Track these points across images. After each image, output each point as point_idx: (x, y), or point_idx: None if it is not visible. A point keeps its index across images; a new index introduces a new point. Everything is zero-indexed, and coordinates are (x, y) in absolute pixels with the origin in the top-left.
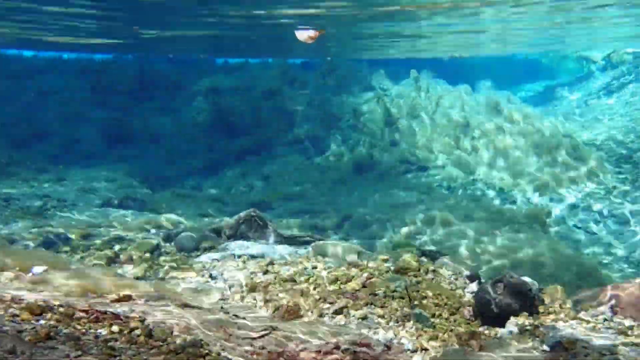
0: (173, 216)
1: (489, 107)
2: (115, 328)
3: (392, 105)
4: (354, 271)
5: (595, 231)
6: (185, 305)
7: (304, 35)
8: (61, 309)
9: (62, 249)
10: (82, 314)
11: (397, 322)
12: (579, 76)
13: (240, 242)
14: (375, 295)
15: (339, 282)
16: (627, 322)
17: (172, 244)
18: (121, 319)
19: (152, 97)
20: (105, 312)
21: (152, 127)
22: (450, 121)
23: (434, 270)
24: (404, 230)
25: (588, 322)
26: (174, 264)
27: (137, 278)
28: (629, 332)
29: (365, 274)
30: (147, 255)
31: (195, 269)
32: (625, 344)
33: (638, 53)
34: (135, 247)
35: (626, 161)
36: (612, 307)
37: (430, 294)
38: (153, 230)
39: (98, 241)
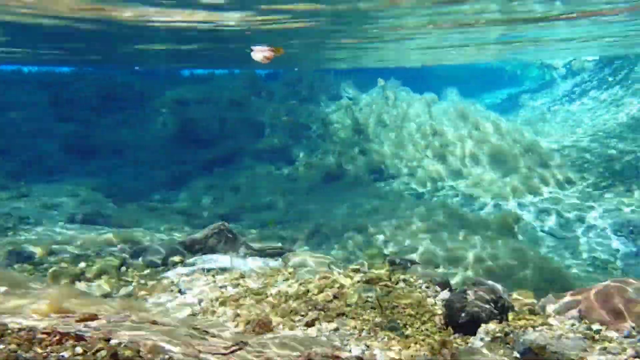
0: (140, 231)
1: (456, 114)
2: (79, 349)
3: (360, 114)
4: (325, 282)
5: (562, 235)
6: (153, 323)
7: (259, 55)
8: (22, 332)
9: (25, 267)
10: (44, 336)
11: (369, 333)
12: (542, 83)
13: (209, 255)
14: (347, 306)
15: (310, 294)
16: (594, 326)
17: (140, 259)
18: (85, 340)
19: (116, 110)
20: (68, 333)
21: (116, 140)
22: (418, 129)
23: (405, 279)
24: (375, 239)
25: (557, 327)
26: (142, 280)
27: (103, 295)
28: (596, 336)
29: (337, 285)
30: (114, 271)
31: (164, 285)
32: (593, 348)
33: (597, 60)
34: (100, 263)
35: (590, 166)
36: (579, 312)
37: (401, 303)
38: (119, 246)
39: (62, 258)
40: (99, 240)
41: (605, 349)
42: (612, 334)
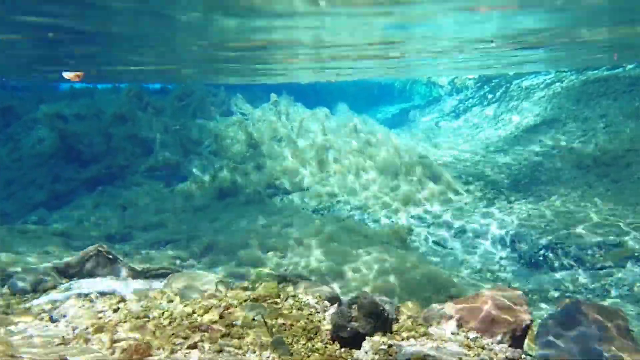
0: (6, 255)
1: (349, 129)
2: None
3: (253, 130)
4: (212, 302)
5: (451, 246)
6: (11, 357)
7: (70, 75)
8: None
9: None
10: None
11: (255, 353)
12: (430, 99)
13: (87, 280)
14: (233, 326)
15: (195, 315)
16: (471, 335)
17: (5, 287)
18: None
19: None
20: None
21: None
22: (312, 144)
23: (294, 296)
24: (269, 255)
25: (437, 336)
26: (7, 309)
27: None
28: (472, 345)
29: (224, 304)
30: None
31: (33, 313)
32: (468, 356)
33: (476, 79)
34: None
35: (474, 178)
36: (458, 321)
37: (289, 320)
38: None
39: None
40: None
41: (478, 355)
42: (486, 340)
